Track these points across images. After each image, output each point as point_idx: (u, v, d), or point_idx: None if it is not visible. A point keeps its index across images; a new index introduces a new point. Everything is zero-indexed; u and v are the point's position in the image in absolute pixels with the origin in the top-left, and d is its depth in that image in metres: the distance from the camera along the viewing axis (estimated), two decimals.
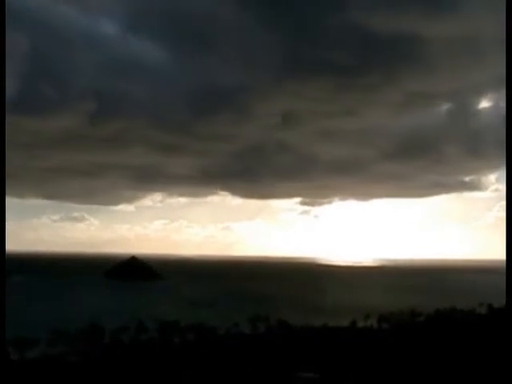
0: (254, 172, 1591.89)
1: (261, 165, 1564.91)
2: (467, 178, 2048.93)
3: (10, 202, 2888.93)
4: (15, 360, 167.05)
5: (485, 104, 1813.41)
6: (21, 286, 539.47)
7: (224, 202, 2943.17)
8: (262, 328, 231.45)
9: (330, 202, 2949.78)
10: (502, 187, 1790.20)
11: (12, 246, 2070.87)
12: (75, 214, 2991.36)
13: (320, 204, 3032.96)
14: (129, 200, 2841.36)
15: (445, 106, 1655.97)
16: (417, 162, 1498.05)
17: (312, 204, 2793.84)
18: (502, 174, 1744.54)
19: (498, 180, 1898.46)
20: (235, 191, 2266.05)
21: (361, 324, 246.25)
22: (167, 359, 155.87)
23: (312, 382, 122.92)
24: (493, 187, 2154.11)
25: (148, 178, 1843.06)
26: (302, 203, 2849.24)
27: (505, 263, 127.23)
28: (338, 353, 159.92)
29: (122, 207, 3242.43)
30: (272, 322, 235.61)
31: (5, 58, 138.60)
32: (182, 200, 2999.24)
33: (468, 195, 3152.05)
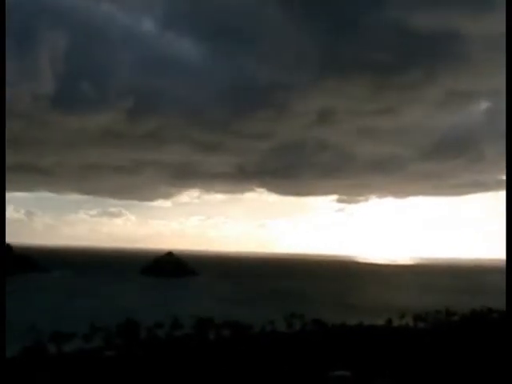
0: (291, 169, 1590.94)
1: (298, 162, 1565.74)
2: (505, 177, 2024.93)
3: (49, 197, 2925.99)
4: (52, 353, 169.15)
5: None
6: (58, 280, 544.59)
7: (261, 199, 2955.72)
8: (297, 326, 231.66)
9: (366, 200, 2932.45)
10: None
11: (50, 240, 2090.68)
12: (112, 210, 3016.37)
13: (357, 202, 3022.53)
14: (166, 196, 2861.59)
15: (484, 105, 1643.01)
16: (454, 160, 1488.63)
17: (349, 202, 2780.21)
18: None
19: None
20: (272, 188, 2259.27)
21: (396, 323, 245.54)
22: (202, 355, 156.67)
23: (346, 380, 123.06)
24: None
25: (185, 175, 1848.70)
26: (339, 201, 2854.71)
27: None
28: (372, 351, 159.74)
29: (158, 203, 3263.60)
30: (307, 320, 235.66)
31: (5, 57, 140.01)
32: (219, 196, 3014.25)
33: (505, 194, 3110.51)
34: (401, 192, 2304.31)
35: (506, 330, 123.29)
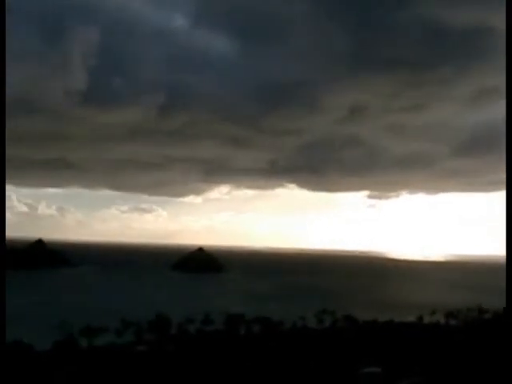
0: (321, 165, 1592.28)
1: (329, 158, 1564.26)
2: None
3: (81, 193, 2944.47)
4: (84, 348, 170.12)
5: None
6: (89, 276, 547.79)
7: (291, 194, 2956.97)
8: (328, 322, 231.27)
9: (397, 196, 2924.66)
10: None
11: (82, 236, 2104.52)
12: (144, 206, 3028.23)
13: (387, 198, 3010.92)
14: (196, 192, 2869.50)
15: None
16: (486, 156, 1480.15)
17: (379, 197, 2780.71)
18: None
19: None
20: (303, 184, 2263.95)
21: (427, 320, 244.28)
22: (232, 351, 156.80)
23: (377, 376, 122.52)
24: None
25: (216, 171, 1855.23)
26: (370, 197, 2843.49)
27: None
28: (403, 348, 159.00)
29: (189, 199, 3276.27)
30: (338, 316, 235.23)
31: (5, 57, 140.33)
32: (250, 192, 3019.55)
33: None
34: (432, 188, 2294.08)
35: (506, 329, 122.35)
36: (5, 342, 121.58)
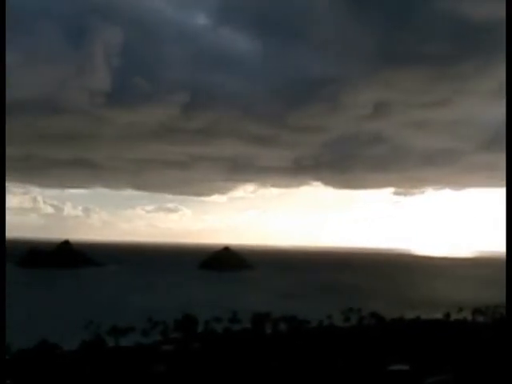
0: (346, 163, 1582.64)
1: (353, 155, 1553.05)
2: None
3: (105, 193, 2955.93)
4: (111, 347, 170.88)
5: None
6: (116, 275, 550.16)
7: (316, 192, 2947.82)
8: (354, 320, 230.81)
9: (422, 192, 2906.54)
10: None
11: (107, 236, 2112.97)
12: (169, 205, 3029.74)
13: (412, 194, 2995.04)
14: (221, 191, 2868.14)
15: None
16: None
17: (405, 194, 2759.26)
18: None
19: None
20: (328, 182, 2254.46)
21: (454, 317, 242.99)
22: (259, 350, 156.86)
23: (405, 374, 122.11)
24: None
25: (240, 169, 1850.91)
26: (395, 193, 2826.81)
27: None
28: (430, 345, 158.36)
29: (214, 198, 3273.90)
30: (364, 314, 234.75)
31: (5, 57, 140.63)
32: (275, 190, 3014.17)
33: None
34: (457, 184, 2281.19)
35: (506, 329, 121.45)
36: (5, 343, 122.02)
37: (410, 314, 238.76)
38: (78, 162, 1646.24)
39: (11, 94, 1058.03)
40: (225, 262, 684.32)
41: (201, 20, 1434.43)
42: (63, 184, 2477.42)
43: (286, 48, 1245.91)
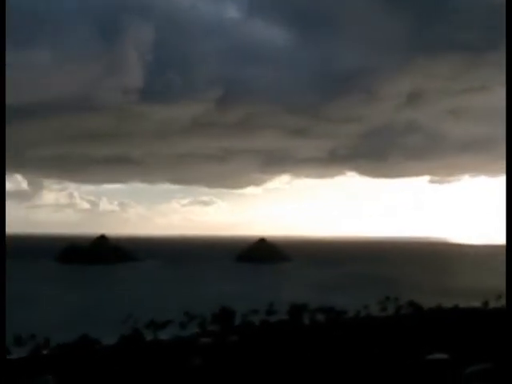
0: (381, 152, 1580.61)
1: (389, 145, 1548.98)
2: None
3: (141, 188, 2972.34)
4: (149, 341, 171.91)
5: None
6: (153, 269, 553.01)
7: (352, 182, 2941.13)
8: (391, 310, 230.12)
9: (458, 180, 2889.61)
10: None
11: (143, 230, 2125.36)
12: (204, 198, 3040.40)
13: (449, 182, 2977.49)
14: (257, 183, 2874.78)
15: None
16: None
17: (441, 182, 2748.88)
18: None
19: None
20: (363, 171, 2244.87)
21: (493, 304, 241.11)
22: (297, 341, 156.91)
23: (444, 363, 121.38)
24: None
25: (276, 161, 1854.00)
26: (431, 181, 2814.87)
27: None
28: (469, 334, 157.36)
29: (250, 190, 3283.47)
30: (402, 303, 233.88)
31: (5, 57, 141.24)
32: (310, 181, 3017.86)
33: None
34: (493, 171, 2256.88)
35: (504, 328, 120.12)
36: (5, 343, 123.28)
37: (447, 303, 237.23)
38: (113, 158, 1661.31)
39: (47, 93, 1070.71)
40: (261, 254, 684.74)
41: (232, 13, 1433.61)
42: (99, 180, 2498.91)
43: (319, 39, 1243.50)
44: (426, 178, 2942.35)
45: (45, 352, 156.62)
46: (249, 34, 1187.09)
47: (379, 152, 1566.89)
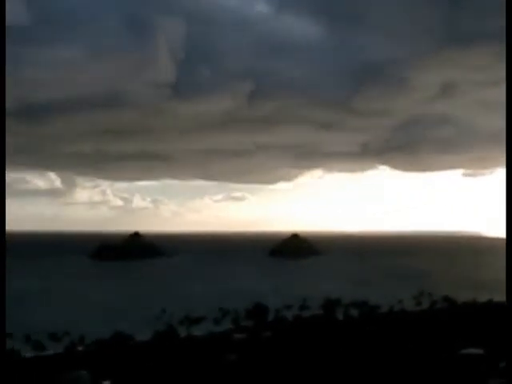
0: (413, 145, 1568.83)
1: (421, 137, 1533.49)
2: None
3: (173, 184, 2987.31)
4: (183, 337, 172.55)
5: None
6: (186, 265, 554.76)
7: (383, 176, 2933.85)
8: (426, 304, 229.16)
9: (491, 173, 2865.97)
10: None
11: (176, 227, 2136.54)
12: (236, 194, 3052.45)
13: (483, 175, 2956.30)
14: (287, 178, 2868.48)
15: None
16: None
17: (474, 175, 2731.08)
18: None
19: None
20: (395, 165, 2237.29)
21: None
22: (330, 336, 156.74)
23: (479, 358, 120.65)
24: None
25: (306, 156, 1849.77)
26: (464, 175, 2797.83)
27: None
28: (505, 328, 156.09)
29: (281, 185, 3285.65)
30: (436, 297, 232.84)
31: (5, 57, 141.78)
32: (341, 176, 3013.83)
33: None
34: None
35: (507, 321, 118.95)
36: (5, 343, 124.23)
37: (482, 297, 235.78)
38: (146, 154, 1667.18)
39: (78, 90, 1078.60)
40: (294, 249, 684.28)
41: (261, 7, 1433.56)
42: (132, 177, 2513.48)
43: (348, 31, 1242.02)
44: (460, 171, 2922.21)
45: (80, 348, 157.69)
46: (278, 27, 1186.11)
47: (411, 145, 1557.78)
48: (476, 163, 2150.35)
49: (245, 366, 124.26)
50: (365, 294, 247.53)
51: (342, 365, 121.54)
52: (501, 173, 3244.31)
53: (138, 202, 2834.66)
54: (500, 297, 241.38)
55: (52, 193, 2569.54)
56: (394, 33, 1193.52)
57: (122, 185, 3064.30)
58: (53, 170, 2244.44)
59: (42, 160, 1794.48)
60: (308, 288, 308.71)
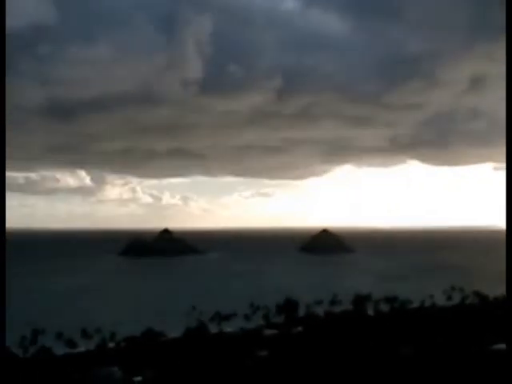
0: (443, 139, 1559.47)
1: (451, 131, 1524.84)
2: None
3: (203, 181, 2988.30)
4: (214, 333, 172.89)
5: None
6: (216, 262, 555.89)
7: (414, 170, 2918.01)
8: (457, 299, 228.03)
9: None
10: None
11: (206, 223, 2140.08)
12: (266, 190, 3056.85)
13: None
14: (318, 173, 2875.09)
15: None
16: None
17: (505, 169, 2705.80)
18: None
19: None
20: (425, 159, 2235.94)
21: None
22: (361, 331, 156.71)
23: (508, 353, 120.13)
24: None
25: (337, 151, 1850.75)
26: (495, 168, 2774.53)
27: None
28: None
29: (311, 180, 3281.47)
30: (467, 292, 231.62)
31: (5, 57, 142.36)
32: (372, 170, 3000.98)
33: None
34: None
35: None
36: (5, 341, 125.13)
37: None
38: (175, 151, 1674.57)
39: (109, 89, 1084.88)
40: (324, 244, 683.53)
41: (289, 3, 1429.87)
42: (161, 174, 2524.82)
43: (378, 26, 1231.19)
44: (490, 164, 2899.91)
45: (111, 345, 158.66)
46: (306, 23, 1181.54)
47: (441, 139, 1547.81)
48: None
49: (276, 362, 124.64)
50: (396, 290, 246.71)
51: (372, 360, 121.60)
52: None
53: (167, 198, 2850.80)
54: None
55: (83, 191, 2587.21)
56: (423, 27, 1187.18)
57: (151, 182, 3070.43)
58: (83, 168, 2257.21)
59: (73, 158, 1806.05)
60: (338, 284, 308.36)
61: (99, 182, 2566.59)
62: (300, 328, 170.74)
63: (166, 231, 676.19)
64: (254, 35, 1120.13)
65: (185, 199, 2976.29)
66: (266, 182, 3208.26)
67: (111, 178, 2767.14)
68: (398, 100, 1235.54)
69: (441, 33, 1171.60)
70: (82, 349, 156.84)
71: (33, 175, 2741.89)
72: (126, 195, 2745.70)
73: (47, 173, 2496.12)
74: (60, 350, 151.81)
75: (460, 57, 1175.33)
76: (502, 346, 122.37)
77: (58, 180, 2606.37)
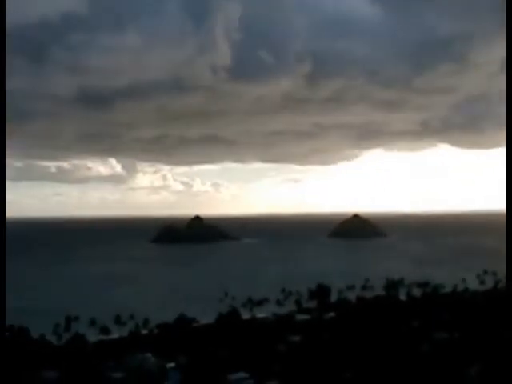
0: (475, 122, 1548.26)
1: (483, 114, 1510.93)
2: None
3: (234, 167, 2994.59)
4: (246, 319, 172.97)
5: None
6: (248, 248, 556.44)
7: (445, 154, 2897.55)
8: (490, 283, 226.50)
9: None
10: None
11: (237, 209, 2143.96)
12: (296, 176, 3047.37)
13: None
14: (349, 157, 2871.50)
15: None
16: None
17: None
18: None
19: None
20: (455, 143, 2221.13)
21: None
22: (393, 316, 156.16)
23: None
24: None
25: (367, 135, 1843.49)
26: None
27: None
28: None
29: (342, 165, 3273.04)
30: (500, 277, 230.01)
31: (5, 56, 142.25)
32: (403, 154, 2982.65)
33: None
34: None
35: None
36: (5, 335, 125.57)
37: None
38: (205, 138, 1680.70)
39: (139, 77, 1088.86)
40: (355, 229, 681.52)
41: None
42: (192, 161, 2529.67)
43: (408, 9, 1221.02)
44: None
45: (144, 331, 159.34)
46: (336, 7, 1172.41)
47: (473, 122, 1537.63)
48: None
49: (308, 348, 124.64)
50: (428, 274, 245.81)
51: (405, 344, 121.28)
52: None
53: (198, 185, 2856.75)
54: None
55: (114, 179, 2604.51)
56: (455, 10, 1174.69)
57: (182, 169, 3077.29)
58: (114, 156, 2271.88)
59: (104, 147, 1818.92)
60: (370, 269, 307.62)
61: (130, 170, 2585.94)
62: (332, 313, 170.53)
63: (197, 218, 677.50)
64: (284, 20, 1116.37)
65: (215, 186, 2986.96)
66: (297, 167, 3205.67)
67: (142, 165, 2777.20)
68: (429, 84, 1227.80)
69: (473, 16, 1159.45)
70: (115, 335, 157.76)
71: (65, 164, 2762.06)
72: (157, 183, 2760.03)
73: (79, 161, 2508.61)
74: (93, 336, 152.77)
75: (492, 39, 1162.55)
76: None
77: (89, 168, 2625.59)
